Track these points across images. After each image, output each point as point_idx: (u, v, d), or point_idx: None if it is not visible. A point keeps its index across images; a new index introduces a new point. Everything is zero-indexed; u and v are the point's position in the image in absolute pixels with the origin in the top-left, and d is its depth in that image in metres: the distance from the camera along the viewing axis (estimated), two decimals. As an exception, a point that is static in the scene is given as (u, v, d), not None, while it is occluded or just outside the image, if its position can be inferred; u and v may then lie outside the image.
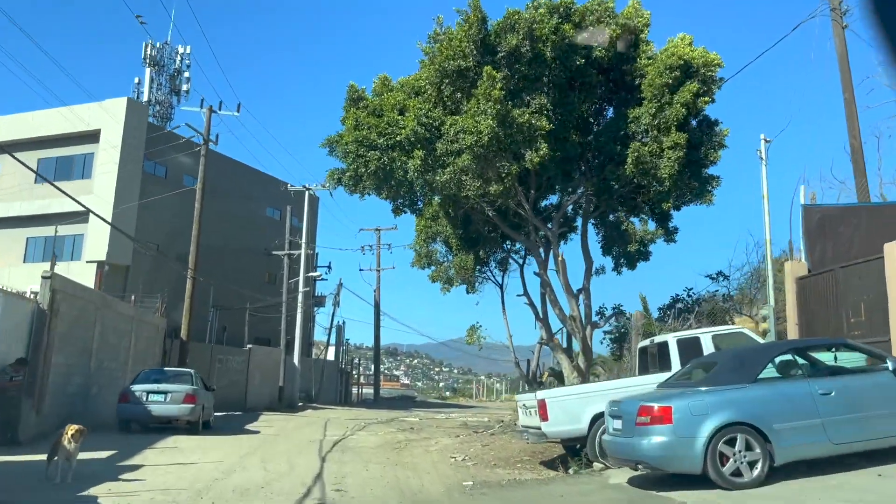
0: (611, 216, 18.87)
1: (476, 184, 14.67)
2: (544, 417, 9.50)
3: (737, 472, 7.01)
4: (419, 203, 18.11)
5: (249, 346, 31.35)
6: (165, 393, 15.21)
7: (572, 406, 9.59)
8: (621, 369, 17.75)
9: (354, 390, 50.98)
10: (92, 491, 8.11)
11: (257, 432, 17.32)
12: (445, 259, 21.99)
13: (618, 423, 7.83)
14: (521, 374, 21.19)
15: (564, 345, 17.78)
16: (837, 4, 16.32)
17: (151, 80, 50.41)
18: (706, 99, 15.22)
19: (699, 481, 7.13)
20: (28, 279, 19.93)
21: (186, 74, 51.82)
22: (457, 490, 8.71)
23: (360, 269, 44.14)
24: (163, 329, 23.20)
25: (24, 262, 32.12)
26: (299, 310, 33.52)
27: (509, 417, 22.02)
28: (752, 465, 7.04)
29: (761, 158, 14.50)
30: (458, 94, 15.60)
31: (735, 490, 6.86)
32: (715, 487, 6.97)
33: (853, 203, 14.84)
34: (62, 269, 25.22)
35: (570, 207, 18.34)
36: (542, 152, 14.36)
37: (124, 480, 8.90)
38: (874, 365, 7.93)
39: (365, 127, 15.58)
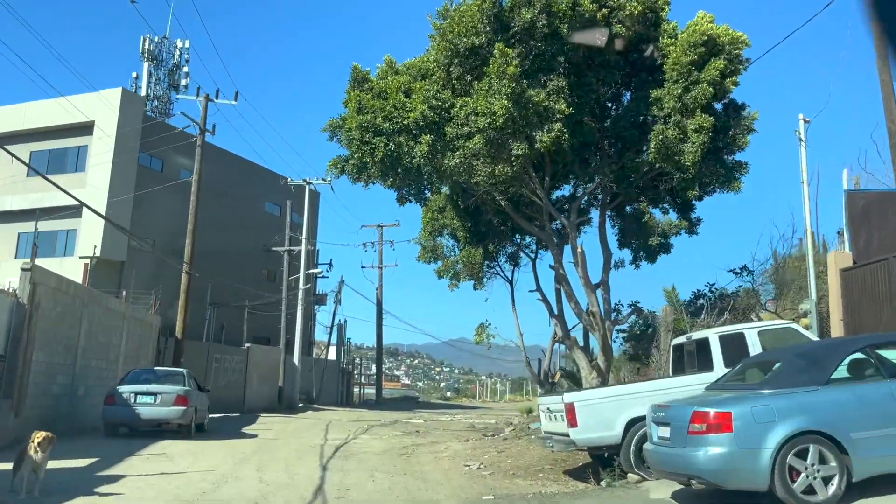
0: (627, 208, 17.87)
1: (488, 169, 13.63)
2: (573, 423, 8.48)
3: (809, 490, 6.00)
4: (426, 192, 17.04)
5: (248, 344, 30.33)
6: (155, 394, 14.18)
7: (604, 410, 8.57)
8: (646, 369, 16.67)
9: (356, 391, 49.97)
10: (60, 507, 7.10)
11: (254, 436, 16.31)
12: (452, 253, 21.00)
13: (664, 431, 6.80)
14: (533, 374, 20.15)
15: (580, 343, 16.73)
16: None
17: (149, 75, 49.40)
18: (733, 79, 14.23)
19: (758, 497, 6.11)
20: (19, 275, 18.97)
21: (185, 69, 50.73)
22: (476, 505, 7.69)
23: (362, 267, 43.12)
24: (157, 327, 22.20)
25: (16, 257, 31.11)
26: (300, 307, 32.50)
27: (518, 420, 21.02)
28: (826, 480, 6.02)
29: (800, 140, 13.47)
30: (468, 77, 14.60)
31: (807, 511, 5.85)
32: (782, 507, 5.95)
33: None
34: (54, 264, 24.23)
35: (584, 199, 17.31)
36: (553, 133, 13.28)
37: (100, 495, 7.88)
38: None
39: (369, 111, 14.56)
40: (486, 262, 20.56)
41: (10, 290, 13.15)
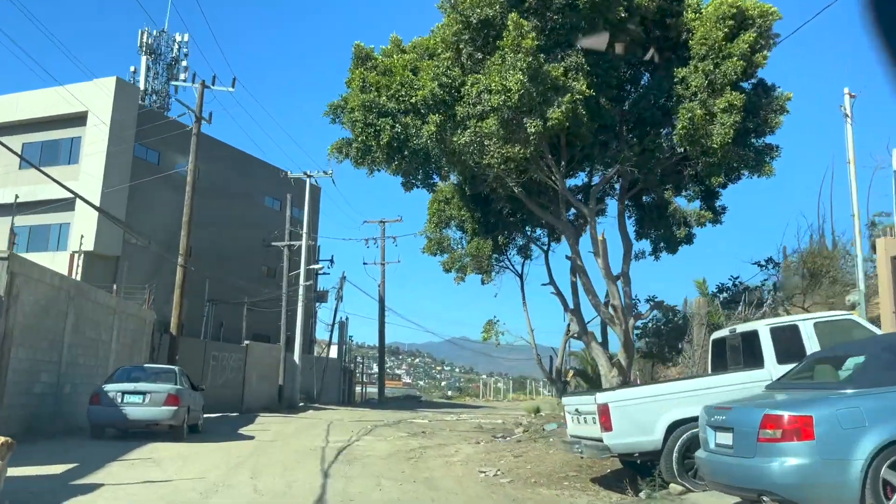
0: (645, 198, 16.89)
1: (501, 150, 12.62)
2: (607, 426, 7.48)
3: (908, 509, 5.00)
4: (434, 177, 16.01)
5: (247, 342, 29.35)
6: (144, 393, 13.18)
7: (643, 412, 7.58)
8: (662, 368, 15.70)
9: (358, 389, 48.98)
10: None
11: (251, 437, 15.33)
12: (459, 245, 20.03)
13: (725, 437, 5.81)
14: (545, 372, 19.17)
15: (598, 339, 15.73)
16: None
17: (147, 69, 48.47)
18: (765, 53, 13.25)
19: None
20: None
21: (184, 63, 49.78)
22: (499, 520, 6.71)
23: (364, 263, 42.12)
24: (151, 322, 21.22)
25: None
26: (300, 304, 31.51)
27: (527, 420, 20.01)
28: (928, 498, 5.03)
29: (846, 115, 12.47)
30: (479, 54, 13.60)
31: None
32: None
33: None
34: (46, 259, 23.32)
35: (604, 185, 16.30)
36: (564, 107, 12.20)
37: (70, 508, 6.90)
38: None
39: (373, 89, 13.57)
40: (495, 255, 19.61)
41: (-13, 281, 12.17)
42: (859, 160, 13.30)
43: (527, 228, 18.95)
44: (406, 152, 13.58)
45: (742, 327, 8.61)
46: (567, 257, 15.27)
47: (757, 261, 16.46)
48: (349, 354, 48.53)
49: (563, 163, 14.20)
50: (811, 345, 7.74)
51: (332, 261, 38.68)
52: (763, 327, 8.00)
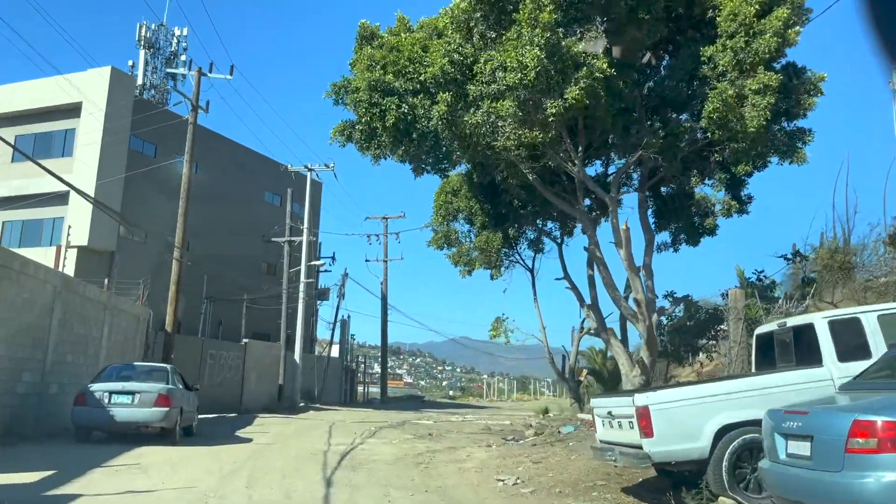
0: (663, 188, 16.01)
1: (518, 132, 11.73)
2: (648, 432, 6.60)
3: None
4: (445, 163, 15.12)
5: (246, 340, 28.46)
6: (133, 393, 12.29)
7: (688, 416, 6.69)
8: (677, 367, 14.82)
9: (360, 389, 48.09)
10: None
11: (249, 440, 14.45)
12: (467, 239, 19.20)
13: (800, 447, 4.93)
14: (557, 372, 18.30)
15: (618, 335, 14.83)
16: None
17: (146, 64, 47.69)
18: (797, 29, 12.37)
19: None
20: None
21: (183, 58, 48.92)
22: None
23: (367, 260, 41.27)
24: (145, 319, 20.35)
25: None
26: (301, 302, 30.62)
27: (536, 421, 19.13)
28: None
29: (894, 91, 11.57)
30: (492, 33, 12.72)
31: None
32: None
33: None
34: (39, 254, 22.45)
35: (625, 171, 15.40)
36: (583, 83, 11.33)
37: (35, 525, 6.03)
38: None
39: (379, 67, 12.68)
40: (505, 249, 18.78)
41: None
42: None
43: (538, 221, 18.09)
44: (414, 135, 12.70)
45: (793, 320, 7.71)
46: (585, 248, 14.40)
47: (783, 254, 15.58)
48: (351, 353, 47.63)
49: (580, 148, 13.32)
50: (876, 339, 6.84)
51: (333, 258, 37.63)
52: (820, 320, 7.11)
